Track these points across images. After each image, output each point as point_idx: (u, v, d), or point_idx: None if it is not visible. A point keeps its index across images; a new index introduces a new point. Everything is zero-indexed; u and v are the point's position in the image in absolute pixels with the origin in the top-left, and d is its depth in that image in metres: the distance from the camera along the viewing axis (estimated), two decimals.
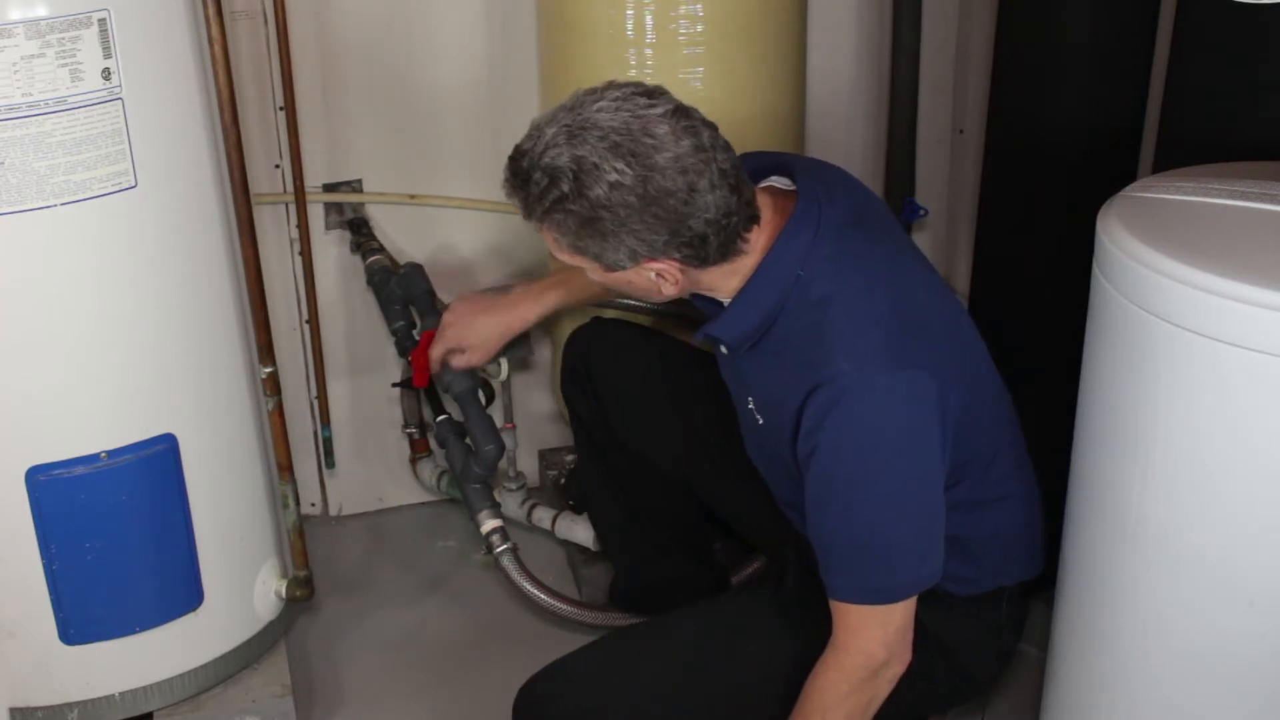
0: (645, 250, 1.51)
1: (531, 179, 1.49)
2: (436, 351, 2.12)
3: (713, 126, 1.52)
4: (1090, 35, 1.99)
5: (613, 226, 1.48)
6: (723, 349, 1.70)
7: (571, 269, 2.02)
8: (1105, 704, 1.57)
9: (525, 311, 2.07)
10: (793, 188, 1.63)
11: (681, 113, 1.49)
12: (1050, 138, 2.06)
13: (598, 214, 1.47)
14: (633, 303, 2.14)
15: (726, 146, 1.52)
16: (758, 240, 1.57)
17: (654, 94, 1.50)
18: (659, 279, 1.56)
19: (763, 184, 1.63)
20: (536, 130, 1.50)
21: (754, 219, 1.55)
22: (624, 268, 1.54)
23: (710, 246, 1.52)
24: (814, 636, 1.62)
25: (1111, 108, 2.03)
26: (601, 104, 1.48)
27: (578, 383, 2.07)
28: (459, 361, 2.10)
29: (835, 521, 1.56)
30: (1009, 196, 2.17)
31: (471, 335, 2.09)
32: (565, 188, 1.47)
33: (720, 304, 1.65)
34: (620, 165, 1.45)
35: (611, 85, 1.51)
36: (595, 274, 1.58)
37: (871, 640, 1.57)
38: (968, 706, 1.98)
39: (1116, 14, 1.99)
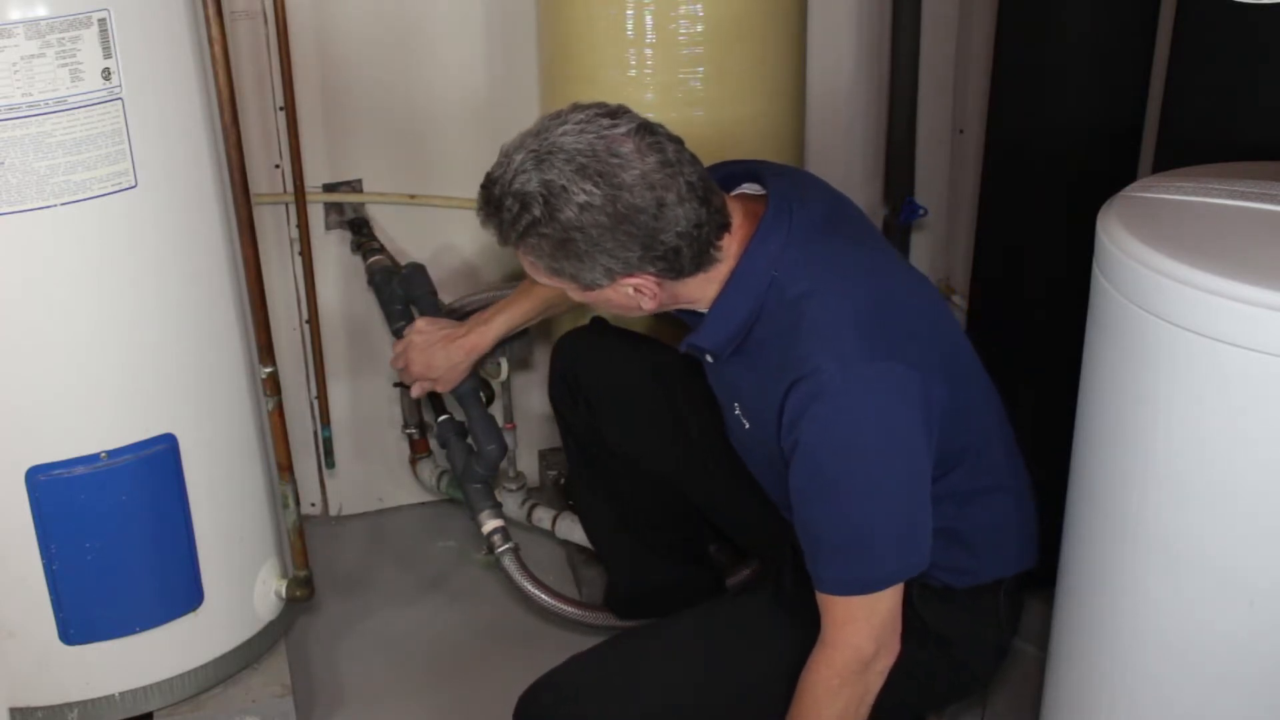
0: (620, 267, 1.52)
1: (503, 205, 1.51)
2: (416, 391, 2.14)
3: (678, 141, 1.54)
4: (1090, 35, 1.99)
5: (586, 247, 1.50)
6: (708, 358, 1.70)
7: (525, 288, 2.03)
8: (1105, 704, 1.57)
9: (478, 339, 2.08)
10: (763, 193, 1.64)
11: (645, 129, 1.52)
12: (1050, 138, 2.06)
13: (570, 235, 1.49)
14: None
15: (693, 159, 1.54)
16: (730, 247, 1.58)
17: (617, 114, 1.52)
18: (637, 294, 1.57)
19: (733, 192, 1.64)
20: (505, 158, 1.52)
21: (725, 226, 1.57)
22: (601, 286, 1.55)
23: (684, 258, 1.53)
24: (814, 637, 1.62)
25: (1111, 108, 2.03)
26: (566, 127, 1.50)
27: (566, 389, 2.07)
28: (429, 389, 2.13)
29: (819, 513, 1.56)
30: (1009, 196, 2.17)
31: (434, 367, 2.10)
32: (537, 212, 1.49)
33: (701, 315, 1.66)
34: (588, 186, 1.47)
35: (575, 108, 1.53)
36: (574, 294, 1.59)
37: (859, 633, 1.58)
38: (967, 704, 1.98)
39: (1116, 14, 1.99)
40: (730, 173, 1.67)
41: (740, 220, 1.59)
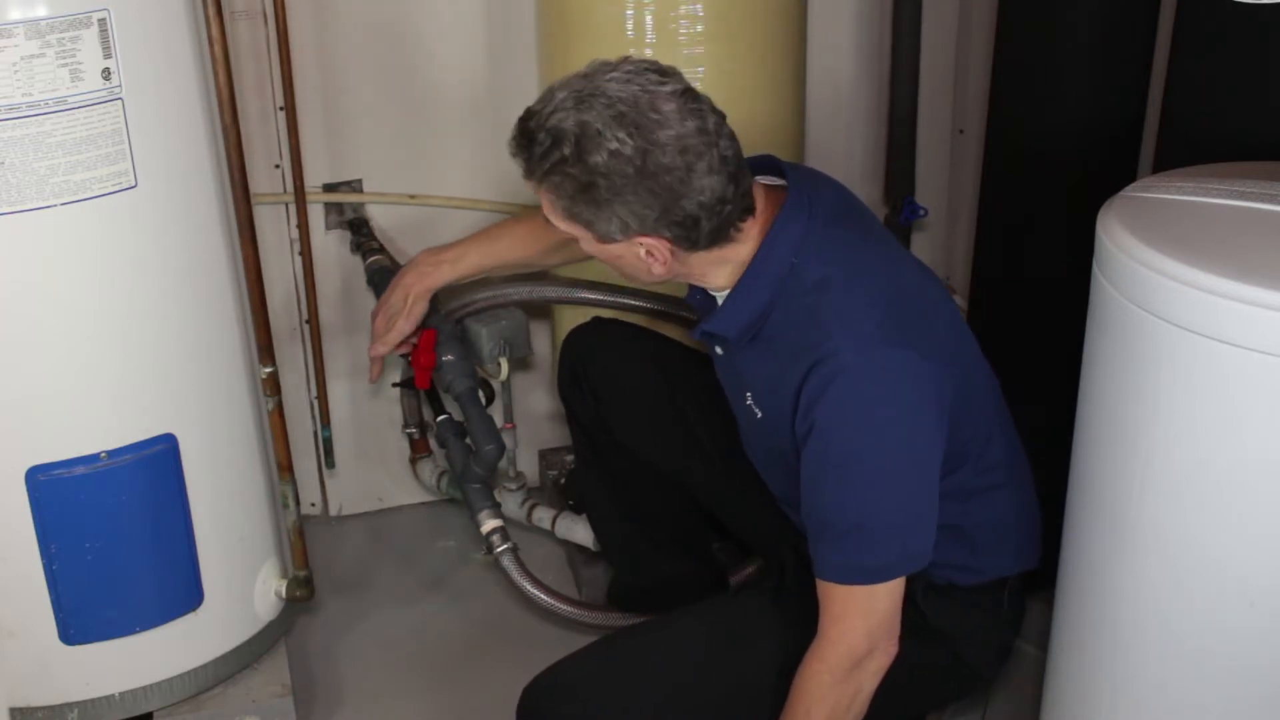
0: (636, 224, 1.52)
1: (536, 139, 1.51)
2: (377, 350, 2.09)
3: (720, 115, 1.54)
4: (1090, 35, 1.99)
5: (607, 195, 1.50)
6: (718, 349, 1.70)
7: (502, 231, 2.03)
8: (1105, 703, 1.57)
9: (444, 272, 2.06)
10: (781, 183, 1.65)
11: (690, 94, 1.52)
12: (1050, 138, 2.06)
13: (594, 180, 1.49)
14: (625, 300, 2.14)
15: (732, 136, 1.54)
16: (751, 230, 1.58)
17: (666, 72, 1.53)
18: (649, 257, 1.57)
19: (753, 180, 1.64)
20: (549, 93, 1.52)
21: (749, 210, 1.57)
22: (615, 240, 1.55)
23: (701, 230, 1.53)
24: (814, 637, 1.62)
25: (1112, 108, 2.03)
26: (614, 74, 1.51)
27: (575, 382, 2.08)
28: (393, 338, 2.08)
29: (829, 497, 1.57)
30: (1009, 196, 2.17)
31: (391, 304, 2.08)
32: (566, 150, 1.48)
33: (714, 300, 1.66)
34: (622, 135, 1.47)
35: (627, 60, 1.53)
36: (588, 245, 1.59)
37: (854, 630, 1.58)
38: (967, 704, 1.98)
39: (1116, 14, 1.99)
40: (749, 165, 1.66)
41: (761, 206, 1.60)
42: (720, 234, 1.55)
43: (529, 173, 1.54)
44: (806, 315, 1.56)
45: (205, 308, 1.82)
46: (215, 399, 1.86)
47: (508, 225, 2.09)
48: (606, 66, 1.52)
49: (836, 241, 1.60)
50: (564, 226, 1.58)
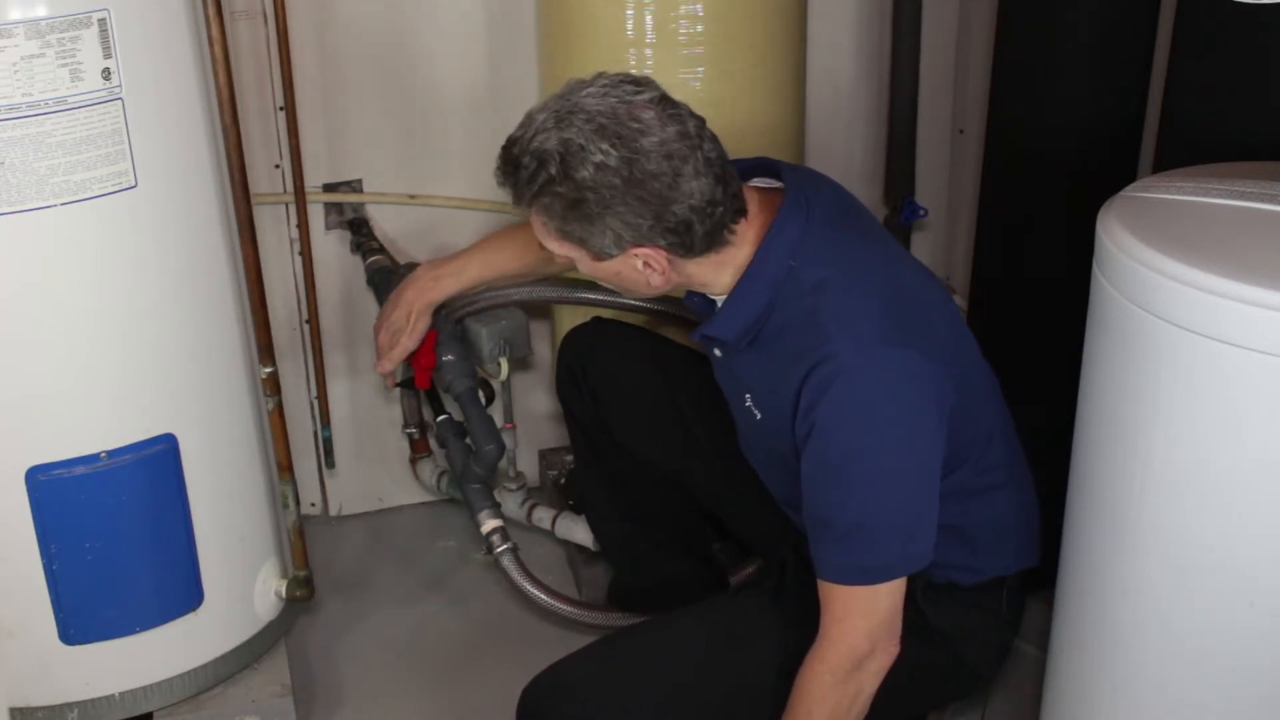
0: (630, 236, 1.52)
1: (521, 164, 1.52)
2: (385, 366, 2.09)
3: (700, 119, 1.55)
4: (1090, 35, 1.99)
5: (598, 209, 1.50)
6: (716, 351, 1.70)
7: (502, 242, 2.03)
8: (1105, 703, 1.57)
9: (445, 286, 2.06)
10: (778, 185, 1.65)
11: (668, 101, 1.53)
12: (1050, 138, 2.05)
13: (583, 195, 1.49)
14: (624, 301, 2.14)
15: (714, 139, 1.55)
16: (746, 233, 1.58)
17: (641, 82, 1.53)
18: (646, 269, 1.57)
19: (748, 184, 1.64)
20: (528, 119, 1.54)
21: (741, 211, 1.57)
22: (611, 255, 1.55)
23: (695, 235, 1.54)
24: (814, 637, 1.62)
25: (1112, 107, 2.03)
26: (590, 90, 1.51)
27: (574, 383, 2.08)
28: (398, 354, 2.07)
29: (832, 499, 1.56)
30: (1009, 196, 2.17)
31: (393, 320, 2.07)
32: (553, 170, 1.49)
33: (713, 303, 1.66)
34: (606, 146, 1.48)
35: (601, 75, 1.54)
36: (584, 265, 1.59)
37: (855, 630, 1.58)
38: (967, 704, 1.98)
39: (1116, 14, 1.99)
40: (743, 167, 1.67)
41: (756, 209, 1.60)
42: (714, 238, 1.55)
43: (518, 198, 1.55)
44: (805, 317, 1.56)
45: (205, 308, 1.82)
46: (215, 399, 1.87)
47: (507, 235, 2.09)
48: (581, 84, 1.53)
49: (835, 243, 1.60)
50: (558, 249, 1.58)
